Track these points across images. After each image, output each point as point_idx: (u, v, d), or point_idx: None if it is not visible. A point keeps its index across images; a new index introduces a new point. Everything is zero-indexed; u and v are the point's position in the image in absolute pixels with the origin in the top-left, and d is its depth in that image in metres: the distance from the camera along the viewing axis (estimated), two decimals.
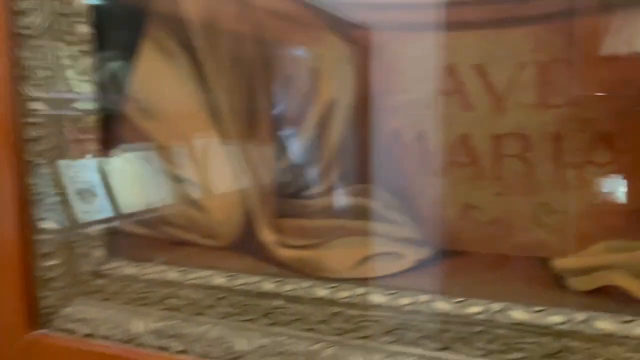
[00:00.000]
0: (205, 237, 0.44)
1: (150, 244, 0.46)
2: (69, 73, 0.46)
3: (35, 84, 0.46)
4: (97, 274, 0.48)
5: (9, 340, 0.49)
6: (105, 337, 0.47)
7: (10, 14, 0.45)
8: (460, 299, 0.34)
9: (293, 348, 0.40)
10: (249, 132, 0.41)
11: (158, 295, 0.45)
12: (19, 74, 0.46)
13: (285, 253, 0.41)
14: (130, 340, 0.46)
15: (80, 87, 0.46)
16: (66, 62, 0.46)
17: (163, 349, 0.44)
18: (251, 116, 0.41)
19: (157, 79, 0.44)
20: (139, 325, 0.45)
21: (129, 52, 0.45)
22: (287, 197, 0.41)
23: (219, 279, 0.43)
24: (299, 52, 0.38)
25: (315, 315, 0.39)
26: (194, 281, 0.44)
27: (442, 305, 0.35)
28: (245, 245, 0.43)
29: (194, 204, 0.44)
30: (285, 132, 0.40)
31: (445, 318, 0.35)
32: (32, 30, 0.45)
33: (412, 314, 0.36)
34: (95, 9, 0.45)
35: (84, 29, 0.45)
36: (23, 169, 0.47)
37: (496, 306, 0.34)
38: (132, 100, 0.45)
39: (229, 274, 0.43)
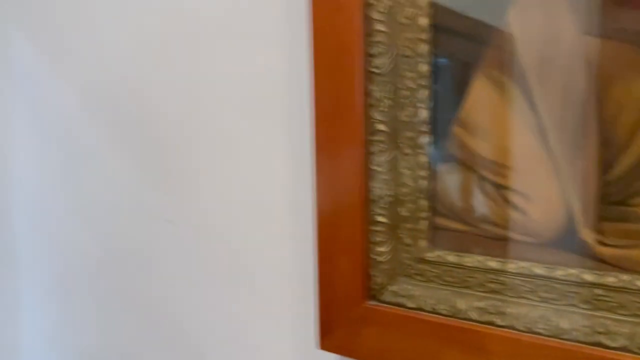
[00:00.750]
0: (524, 235, 0.54)
1: (470, 239, 0.57)
2: (408, 101, 0.58)
3: (381, 110, 0.59)
4: (420, 260, 0.60)
5: (349, 308, 0.63)
6: (431, 311, 0.59)
7: (366, 57, 0.59)
8: None
9: (617, 329, 0.49)
10: (574, 148, 0.51)
11: (478, 280, 0.56)
12: (369, 103, 0.59)
13: (605, 251, 0.50)
14: (455, 314, 0.57)
15: (416, 113, 0.58)
16: (406, 93, 0.58)
17: (487, 323, 0.55)
18: (577, 134, 0.50)
19: (486, 104, 0.55)
20: (462, 302, 0.57)
21: (459, 83, 0.57)
22: (610, 204, 0.49)
23: (539, 269, 0.53)
24: (629, 81, 0.47)
25: (637, 303, 0.48)
26: (513, 270, 0.55)
27: None
28: (562, 242, 0.52)
29: (515, 207, 0.55)
30: (611, 150, 0.49)
31: None
32: (381, 70, 0.59)
33: None
34: (434, 51, 0.57)
35: (424, 67, 0.57)
36: (367, 175, 0.60)
37: None
38: (460, 122, 0.57)
39: (548, 265, 0.53)
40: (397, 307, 0.61)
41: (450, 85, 0.58)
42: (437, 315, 0.58)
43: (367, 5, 0.58)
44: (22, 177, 1.01)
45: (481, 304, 0.56)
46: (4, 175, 1.02)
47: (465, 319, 0.57)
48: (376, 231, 0.61)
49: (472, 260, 0.57)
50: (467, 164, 0.57)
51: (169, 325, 0.87)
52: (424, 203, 0.59)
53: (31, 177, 1.00)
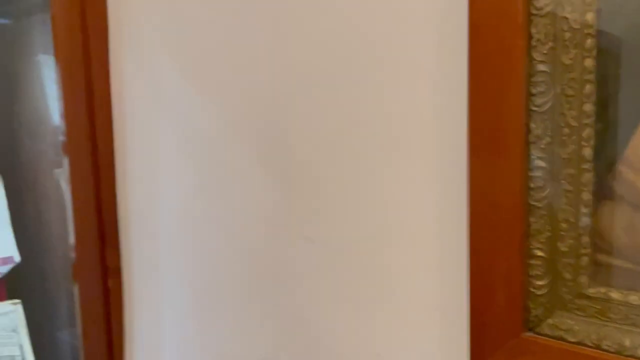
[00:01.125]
0: None
1: (635, 277, 0.58)
2: (569, 139, 0.59)
3: (541, 147, 0.61)
4: (581, 295, 0.61)
5: (505, 338, 0.64)
6: (594, 347, 0.59)
7: (527, 96, 0.60)
8: None
9: None
10: None
11: None
12: (529, 140, 0.61)
13: None
14: (620, 352, 0.58)
15: (578, 150, 0.59)
16: (567, 130, 0.59)
17: None
18: None
19: None
20: (628, 340, 0.57)
21: (625, 121, 0.57)
22: None
23: None
24: None
25: None
26: None
27: None
28: None
29: None
30: None
31: None
32: (541, 108, 0.60)
33: None
34: (599, 89, 0.57)
35: (587, 107, 0.58)
36: (526, 210, 0.62)
37: None
38: (626, 160, 0.57)
39: None
40: (556, 340, 0.62)
41: (614, 122, 0.58)
42: (601, 352, 0.59)
43: (530, 47, 0.59)
44: (167, 194, 1.10)
45: None
46: (154, 192, 1.12)
47: (632, 356, 0.57)
48: (534, 265, 0.63)
49: (638, 298, 0.57)
50: (633, 202, 0.57)
51: (306, 339, 0.92)
52: (585, 239, 0.60)
53: (174, 195, 1.09)
